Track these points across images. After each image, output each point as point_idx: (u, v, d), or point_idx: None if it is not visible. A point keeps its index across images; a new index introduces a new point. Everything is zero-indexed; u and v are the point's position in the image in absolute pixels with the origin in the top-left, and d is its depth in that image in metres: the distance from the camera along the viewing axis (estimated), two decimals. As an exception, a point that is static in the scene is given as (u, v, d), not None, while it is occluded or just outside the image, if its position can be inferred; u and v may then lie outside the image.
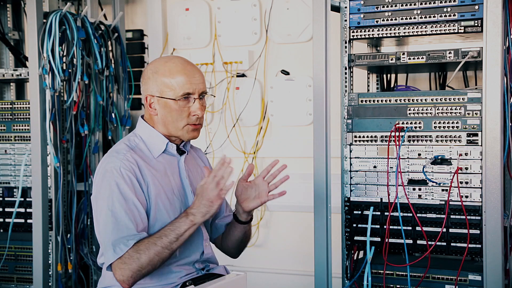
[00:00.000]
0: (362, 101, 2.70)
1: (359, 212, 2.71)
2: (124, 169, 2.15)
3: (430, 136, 2.58)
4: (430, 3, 2.57)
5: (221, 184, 2.12)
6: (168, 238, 2.10)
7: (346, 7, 2.71)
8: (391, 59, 2.67)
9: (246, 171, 2.35)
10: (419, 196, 2.61)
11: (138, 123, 2.33)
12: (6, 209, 3.41)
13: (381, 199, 2.67)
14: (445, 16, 2.55)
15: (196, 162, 2.44)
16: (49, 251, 3.23)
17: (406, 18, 2.62)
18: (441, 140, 2.57)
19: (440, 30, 2.57)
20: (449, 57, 2.57)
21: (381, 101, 2.67)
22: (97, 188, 2.18)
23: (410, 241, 2.62)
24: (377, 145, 2.68)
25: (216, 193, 2.12)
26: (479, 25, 2.49)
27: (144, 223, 2.15)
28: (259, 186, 2.33)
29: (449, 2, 2.54)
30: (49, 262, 3.23)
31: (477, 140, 2.50)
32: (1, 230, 3.43)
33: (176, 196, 2.26)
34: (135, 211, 2.13)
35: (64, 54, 3.25)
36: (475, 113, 2.50)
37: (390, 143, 2.62)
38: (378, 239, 2.67)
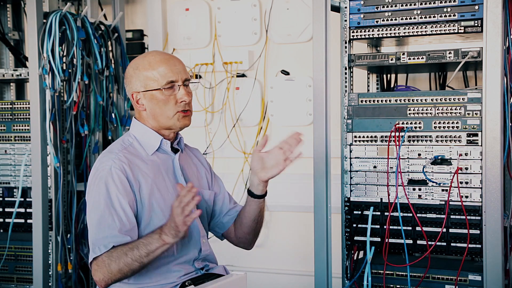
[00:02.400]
0: (362, 101, 2.70)
1: (359, 212, 2.71)
2: (114, 169, 2.16)
3: (430, 136, 2.58)
4: (430, 3, 2.57)
5: (186, 211, 2.03)
6: (139, 252, 2.09)
7: (346, 7, 2.71)
8: (391, 59, 2.67)
9: (261, 142, 2.34)
10: (419, 196, 2.61)
11: (132, 123, 2.35)
12: (6, 209, 3.41)
13: (381, 199, 2.67)
14: (445, 16, 2.55)
15: (192, 161, 2.44)
16: (49, 251, 3.23)
17: (406, 18, 2.62)
18: (441, 140, 2.57)
19: (440, 30, 2.57)
20: (449, 57, 2.57)
21: (381, 101, 2.67)
22: (88, 186, 2.22)
23: (410, 241, 2.62)
24: (377, 145, 2.68)
25: (181, 220, 2.04)
26: (479, 25, 2.49)
27: (131, 223, 2.15)
28: (275, 156, 2.31)
29: (449, 2, 2.54)
30: (49, 262, 3.23)
31: (477, 140, 2.50)
32: (1, 230, 3.43)
33: (171, 194, 2.26)
34: (120, 212, 2.14)
35: (64, 54, 3.24)
36: (475, 113, 2.50)
37: (390, 143, 2.62)
38: (378, 239, 2.67)
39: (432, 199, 2.59)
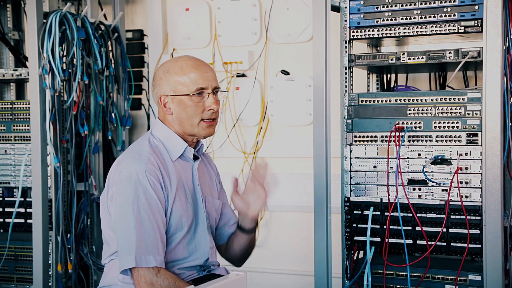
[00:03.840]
0: (362, 101, 2.70)
1: (359, 212, 2.71)
2: (149, 174, 2.13)
3: (430, 136, 2.58)
4: (430, 3, 2.57)
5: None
6: None
7: (346, 7, 2.71)
8: (391, 59, 2.67)
9: (233, 186, 2.36)
10: (419, 196, 2.61)
11: (156, 124, 2.31)
12: (6, 209, 3.41)
13: (381, 199, 2.67)
14: (445, 16, 2.55)
15: (205, 169, 2.43)
16: (49, 251, 3.23)
17: (406, 18, 2.62)
18: (441, 140, 2.57)
19: (440, 30, 2.57)
20: (449, 57, 2.57)
21: (381, 101, 2.67)
22: (117, 189, 2.15)
23: (410, 241, 2.62)
24: (377, 145, 2.68)
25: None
26: (479, 25, 2.49)
27: (165, 228, 2.16)
28: (254, 191, 2.36)
29: (449, 2, 2.54)
30: (49, 262, 3.23)
31: (477, 140, 2.50)
32: (1, 230, 3.43)
33: (189, 202, 2.25)
34: (158, 218, 2.13)
35: (64, 54, 3.25)
36: (475, 113, 2.50)
37: (390, 143, 2.62)
38: (378, 239, 2.67)
39: (432, 199, 2.59)
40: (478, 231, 2.50)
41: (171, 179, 2.20)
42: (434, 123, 2.57)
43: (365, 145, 2.70)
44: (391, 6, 2.64)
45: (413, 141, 2.61)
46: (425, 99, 2.59)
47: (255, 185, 2.35)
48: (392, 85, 3.17)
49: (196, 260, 2.27)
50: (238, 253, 2.45)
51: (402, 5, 2.62)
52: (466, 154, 2.52)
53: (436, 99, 2.57)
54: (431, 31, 2.59)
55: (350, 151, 2.72)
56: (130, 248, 2.08)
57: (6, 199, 3.42)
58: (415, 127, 2.60)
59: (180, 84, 2.22)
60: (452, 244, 2.56)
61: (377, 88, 3.15)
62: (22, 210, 3.37)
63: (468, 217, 2.51)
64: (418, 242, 2.61)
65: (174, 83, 2.23)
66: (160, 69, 2.29)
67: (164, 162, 2.22)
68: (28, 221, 3.34)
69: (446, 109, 2.56)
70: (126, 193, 2.12)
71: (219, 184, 2.49)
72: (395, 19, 2.64)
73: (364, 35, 2.70)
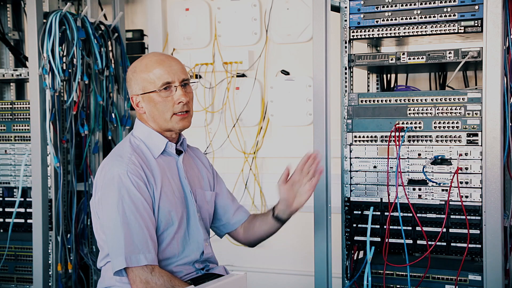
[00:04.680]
0: (362, 101, 2.70)
1: (359, 212, 2.71)
2: (131, 174, 2.14)
3: (430, 136, 2.58)
4: (430, 3, 2.57)
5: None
6: None
7: (346, 7, 2.71)
8: (391, 59, 2.67)
9: (283, 174, 2.35)
10: (419, 196, 2.61)
11: (135, 124, 2.33)
12: (6, 209, 3.41)
13: (381, 199, 2.67)
14: (445, 16, 2.55)
15: (193, 162, 2.43)
16: (49, 251, 3.23)
17: (406, 18, 2.62)
18: (441, 140, 2.57)
19: (440, 30, 2.57)
20: (449, 57, 2.57)
21: (381, 101, 2.67)
22: (103, 193, 2.16)
23: (410, 241, 2.62)
24: (377, 145, 2.68)
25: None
26: (479, 25, 2.49)
27: (154, 225, 2.16)
28: (299, 181, 2.35)
29: (449, 2, 2.54)
30: (49, 262, 3.23)
31: (477, 140, 2.50)
32: (1, 230, 3.43)
33: (177, 197, 2.26)
34: (146, 217, 2.13)
35: (64, 54, 3.24)
36: (475, 113, 2.50)
37: (390, 143, 2.62)
38: (378, 239, 2.67)
39: (432, 199, 2.59)
40: (478, 231, 2.50)
41: (155, 176, 2.21)
42: (434, 123, 2.57)
43: (365, 145, 2.70)
44: (391, 6, 2.64)
45: (413, 141, 2.61)
46: (425, 99, 2.59)
47: (301, 176, 2.35)
48: (392, 85, 3.17)
49: (192, 254, 2.27)
50: (264, 237, 2.47)
51: (402, 5, 2.62)
52: (466, 154, 2.52)
53: (436, 99, 2.57)
54: (431, 31, 2.59)
55: (350, 151, 2.72)
56: (119, 249, 2.09)
57: (6, 199, 3.42)
58: (415, 127, 2.60)
59: (147, 81, 2.23)
60: (452, 244, 2.56)
61: (377, 88, 3.15)
62: (22, 210, 3.37)
63: (468, 217, 2.51)
64: (418, 242, 2.61)
65: (141, 82, 2.24)
66: (129, 70, 2.30)
67: (147, 160, 2.23)
68: (28, 221, 3.34)
69: (446, 109, 2.56)
70: (110, 196, 2.14)
71: (211, 175, 2.49)
72: (395, 19, 2.64)
73: (364, 35, 2.70)
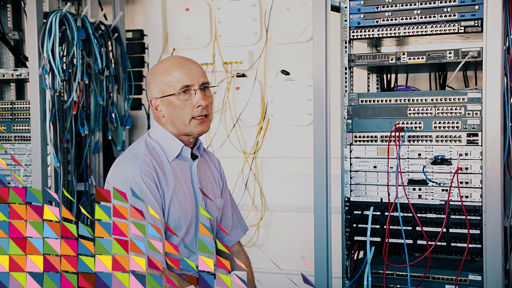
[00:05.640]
0: (362, 101, 2.70)
1: (359, 212, 2.71)
2: (144, 175, 2.14)
3: (430, 136, 2.58)
4: (430, 3, 2.57)
5: None
6: None
7: (346, 7, 2.71)
8: (391, 59, 2.67)
9: None
10: (419, 196, 2.61)
11: (153, 125, 2.33)
12: (6, 209, 3.41)
13: (381, 199, 2.67)
14: (445, 16, 2.55)
15: (208, 167, 2.42)
16: (49, 251, 3.23)
17: (406, 18, 2.62)
18: (441, 140, 2.57)
19: (440, 30, 2.57)
20: (449, 57, 2.57)
21: (381, 101, 2.67)
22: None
23: (410, 241, 2.62)
24: (377, 145, 2.68)
25: None
26: (479, 25, 2.49)
27: (163, 227, 2.16)
28: None
29: (449, 2, 2.54)
30: (49, 262, 3.23)
31: (477, 140, 2.50)
32: (1, 230, 3.43)
33: (188, 202, 2.25)
34: (156, 218, 2.13)
35: (64, 54, 3.25)
36: (475, 113, 2.51)
37: (390, 143, 2.62)
38: (378, 239, 2.67)
39: (432, 199, 2.59)
40: (478, 231, 2.50)
41: (168, 180, 2.20)
42: (434, 123, 2.57)
43: (365, 145, 2.70)
44: (391, 6, 2.64)
45: (413, 141, 2.61)
46: (425, 99, 2.59)
47: None
48: (392, 85, 3.17)
49: (197, 261, 2.27)
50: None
51: (402, 5, 2.62)
52: (466, 154, 2.52)
53: (436, 99, 2.57)
54: (431, 31, 2.59)
55: (350, 151, 2.72)
56: None
57: (6, 199, 3.42)
58: (415, 127, 2.60)
59: (166, 84, 2.22)
60: (452, 244, 2.56)
61: (377, 88, 3.15)
62: (22, 210, 3.37)
63: (468, 217, 2.51)
64: (418, 242, 2.61)
65: (161, 85, 2.23)
66: (148, 73, 2.29)
67: (161, 162, 2.22)
68: (28, 221, 3.34)
69: (446, 109, 2.56)
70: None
71: (222, 183, 2.48)
72: (395, 19, 2.64)
73: (364, 35, 2.70)
